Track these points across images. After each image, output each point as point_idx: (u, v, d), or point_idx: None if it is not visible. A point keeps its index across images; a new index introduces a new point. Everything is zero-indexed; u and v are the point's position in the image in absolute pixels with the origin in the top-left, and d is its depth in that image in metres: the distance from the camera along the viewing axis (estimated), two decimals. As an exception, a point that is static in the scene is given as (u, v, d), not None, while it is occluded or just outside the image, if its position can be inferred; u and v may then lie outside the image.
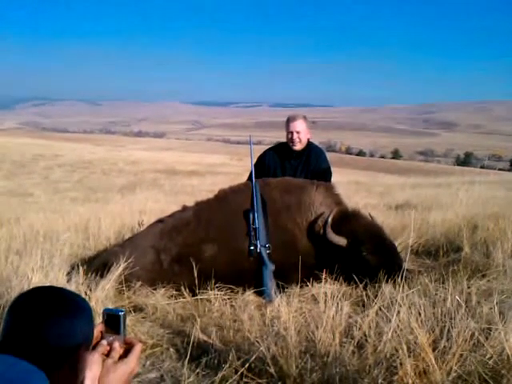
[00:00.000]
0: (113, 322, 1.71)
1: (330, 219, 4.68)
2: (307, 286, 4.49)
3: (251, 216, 4.71)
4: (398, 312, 2.86)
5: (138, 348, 1.71)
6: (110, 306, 3.76)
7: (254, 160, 5.56)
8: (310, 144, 5.90)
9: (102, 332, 1.72)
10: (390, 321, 2.85)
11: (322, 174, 5.73)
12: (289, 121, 5.86)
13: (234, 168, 39.36)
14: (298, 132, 5.75)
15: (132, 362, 1.67)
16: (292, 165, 5.81)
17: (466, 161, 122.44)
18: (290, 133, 5.80)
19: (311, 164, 5.78)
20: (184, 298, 4.38)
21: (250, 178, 5.15)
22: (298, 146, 5.78)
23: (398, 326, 2.76)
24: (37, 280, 3.84)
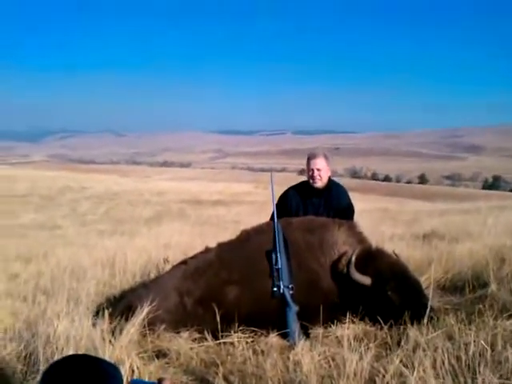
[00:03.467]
0: None
1: (353, 258, 4.65)
2: (331, 327, 4.46)
3: (274, 256, 4.71)
4: (422, 361, 2.83)
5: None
6: (134, 353, 3.78)
7: (276, 198, 5.59)
8: (331, 181, 5.91)
9: None
10: (413, 369, 2.81)
11: (344, 211, 5.71)
12: (309, 158, 5.90)
13: (258, 196, 39.34)
14: (318, 169, 5.78)
15: None
16: (314, 203, 5.82)
17: (494, 184, 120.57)
18: (311, 170, 5.82)
19: (333, 201, 5.78)
20: (207, 341, 4.39)
21: (272, 217, 5.17)
22: (319, 184, 5.80)
23: (421, 377, 2.72)
24: (62, 328, 3.88)
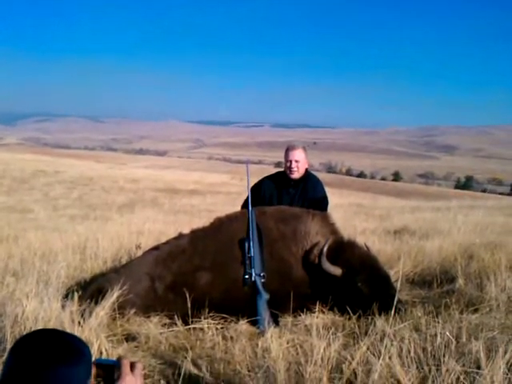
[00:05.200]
0: (107, 370, 1.74)
1: (325, 249, 4.69)
2: (300, 315, 4.51)
3: (246, 245, 4.73)
4: (389, 350, 2.87)
5: (138, 366, 1.75)
6: (103, 336, 3.77)
7: (251, 186, 5.60)
8: (307, 173, 5.94)
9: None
10: (380, 357, 2.86)
11: (319, 202, 5.75)
12: (288, 150, 5.91)
13: (234, 187, 39.27)
14: (296, 161, 5.80)
15: (137, 378, 1.72)
16: (289, 193, 5.85)
17: (466, 184, 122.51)
18: (289, 161, 5.84)
19: (308, 193, 5.82)
20: (177, 326, 4.39)
21: (245, 206, 5.18)
22: (296, 175, 5.82)
23: (387, 364, 2.77)
24: (31, 308, 3.85)
